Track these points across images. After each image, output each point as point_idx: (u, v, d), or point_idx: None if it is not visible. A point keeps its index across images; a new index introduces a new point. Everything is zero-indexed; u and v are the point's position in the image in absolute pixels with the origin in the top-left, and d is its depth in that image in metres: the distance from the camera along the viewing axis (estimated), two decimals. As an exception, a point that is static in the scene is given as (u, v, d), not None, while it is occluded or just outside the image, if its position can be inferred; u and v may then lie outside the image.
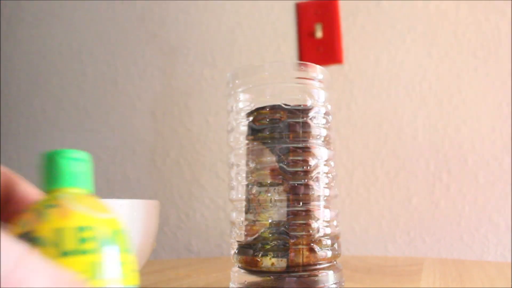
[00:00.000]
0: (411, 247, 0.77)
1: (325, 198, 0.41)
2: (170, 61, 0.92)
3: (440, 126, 0.77)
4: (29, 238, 0.20)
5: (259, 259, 0.39)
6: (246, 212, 0.41)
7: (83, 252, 0.20)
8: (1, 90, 1.02)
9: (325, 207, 0.41)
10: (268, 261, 0.39)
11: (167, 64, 0.92)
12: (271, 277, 0.39)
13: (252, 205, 0.41)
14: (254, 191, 0.41)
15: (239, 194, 0.43)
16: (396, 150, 0.79)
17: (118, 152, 0.93)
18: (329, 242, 0.41)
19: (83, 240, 0.20)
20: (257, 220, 0.40)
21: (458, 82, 0.77)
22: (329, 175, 0.42)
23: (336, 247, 0.42)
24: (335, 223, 0.43)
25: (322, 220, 0.41)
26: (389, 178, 0.79)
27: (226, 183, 0.85)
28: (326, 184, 0.42)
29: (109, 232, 0.21)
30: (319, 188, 0.41)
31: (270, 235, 0.40)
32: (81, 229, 0.20)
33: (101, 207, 0.22)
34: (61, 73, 0.98)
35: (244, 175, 0.42)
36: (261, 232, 0.40)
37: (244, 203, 0.42)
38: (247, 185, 0.42)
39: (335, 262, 0.42)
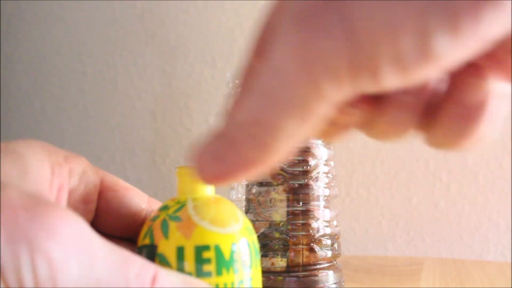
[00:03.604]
0: (411, 247, 0.77)
1: (325, 198, 0.41)
2: (170, 61, 0.92)
3: (440, 126, 0.77)
4: (153, 252, 0.21)
5: (259, 259, 0.39)
6: (246, 212, 0.42)
7: (202, 275, 0.20)
8: (1, 90, 1.02)
9: (325, 207, 0.41)
10: (268, 261, 0.39)
11: (167, 64, 0.92)
12: (271, 277, 0.39)
13: (252, 205, 0.41)
14: (254, 191, 0.41)
15: (239, 194, 0.43)
16: (395, 150, 0.79)
17: (117, 152, 0.93)
18: (329, 242, 0.41)
19: (202, 262, 0.20)
20: (257, 220, 0.41)
21: (458, 82, 0.77)
22: (329, 175, 0.42)
23: (336, 247, 0.42)
24: (335, 223, 0.43)
25: (322, 220, 0.41)
26: (389, 178, 0.78)
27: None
28: (326, 184, 0.42)
29: (228, 251, 0.21)
30: (319, 188, 0.41)
31: (269, 235, 0.40)
32: (200, 248, 0.20)
33: (227, 216, 0.22)
34: (61, 73, 0.98)
35: (244, 175, 0.42)
36: (261, 232, 0.40)
37: (244, 203, 0.42)
38: (247, 185, 0.42)
39: (335, 262, 0.42)
